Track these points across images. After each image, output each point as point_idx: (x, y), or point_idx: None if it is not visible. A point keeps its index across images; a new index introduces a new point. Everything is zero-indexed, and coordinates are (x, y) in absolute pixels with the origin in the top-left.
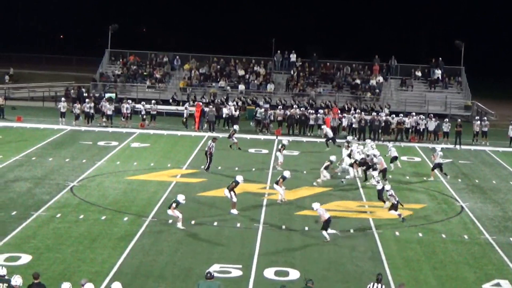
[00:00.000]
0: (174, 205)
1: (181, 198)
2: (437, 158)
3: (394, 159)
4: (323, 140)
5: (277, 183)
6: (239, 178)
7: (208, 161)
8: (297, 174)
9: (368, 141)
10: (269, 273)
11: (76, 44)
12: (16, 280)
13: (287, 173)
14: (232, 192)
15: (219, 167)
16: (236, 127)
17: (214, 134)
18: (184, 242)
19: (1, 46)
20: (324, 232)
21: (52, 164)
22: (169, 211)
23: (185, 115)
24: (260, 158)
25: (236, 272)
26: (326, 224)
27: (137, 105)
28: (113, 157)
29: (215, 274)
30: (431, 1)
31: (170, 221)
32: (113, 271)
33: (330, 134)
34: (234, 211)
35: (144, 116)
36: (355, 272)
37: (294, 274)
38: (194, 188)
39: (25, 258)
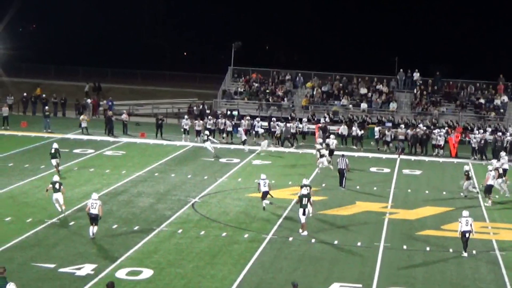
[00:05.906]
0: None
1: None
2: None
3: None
4: (444, 159)
5: None
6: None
7: (345, 177)
8: (419, 194)
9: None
10: None
11: (199, 61)
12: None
13: None
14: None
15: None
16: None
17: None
18: (304, 260)
19: (127, 63)
20: None
21: (175, 180)
22: None
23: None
24: (382, 177)
25: None
26: None
27: (255, 122)
28: (234, 174)
29: None
30: None
31: (291, 238)
32: (233, 287)
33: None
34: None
35: (264, 134)
36: None
37: None
38: (315, 206)
39: (147, 273)
